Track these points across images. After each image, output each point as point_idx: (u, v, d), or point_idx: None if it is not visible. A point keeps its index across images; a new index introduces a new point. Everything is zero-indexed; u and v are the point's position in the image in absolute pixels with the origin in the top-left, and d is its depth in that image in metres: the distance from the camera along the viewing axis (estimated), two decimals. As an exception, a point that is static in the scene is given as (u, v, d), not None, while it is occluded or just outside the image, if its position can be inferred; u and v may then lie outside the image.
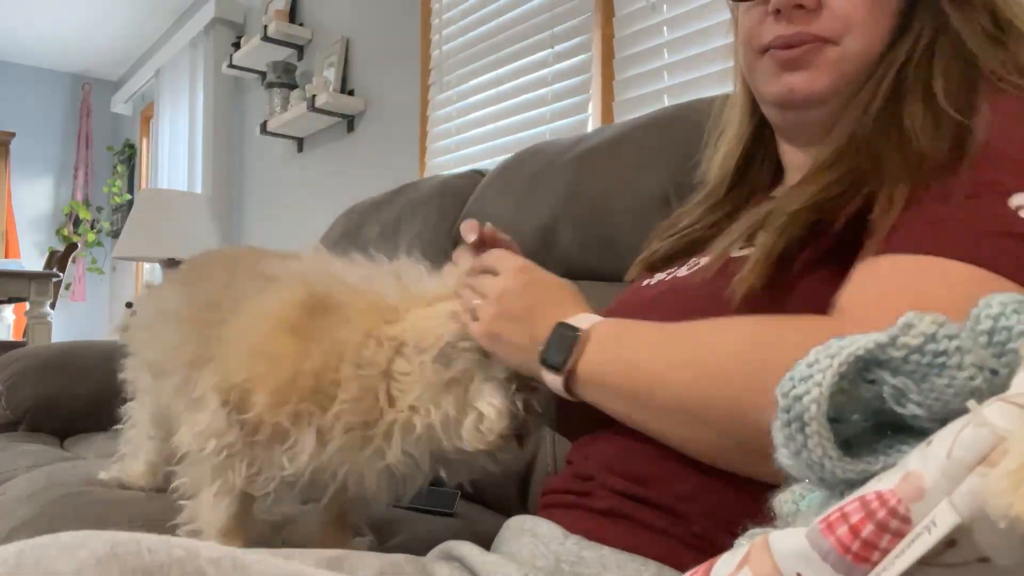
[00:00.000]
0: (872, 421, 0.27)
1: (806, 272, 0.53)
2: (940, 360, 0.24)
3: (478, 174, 1.56)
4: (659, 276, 0.68)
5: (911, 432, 0.25)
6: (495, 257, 0.65)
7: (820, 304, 0.50)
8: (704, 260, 0.63)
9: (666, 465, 0.54)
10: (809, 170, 0.58)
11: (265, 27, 3.06)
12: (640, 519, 0.54)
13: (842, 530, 0.22)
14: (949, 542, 0.20)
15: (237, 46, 3.36)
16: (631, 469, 0.56)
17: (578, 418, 0.70)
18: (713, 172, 0.75)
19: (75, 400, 1.65)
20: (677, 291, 0.62)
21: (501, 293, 0.61)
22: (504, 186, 1.37)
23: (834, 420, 0.26)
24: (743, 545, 0.27)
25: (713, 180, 0.74)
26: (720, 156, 0.74)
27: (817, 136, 0.64)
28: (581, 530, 0.56)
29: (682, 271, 0.65)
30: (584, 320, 0.58)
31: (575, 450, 0.65)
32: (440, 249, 1.48)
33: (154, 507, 0.80)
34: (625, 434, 0.59)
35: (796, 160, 0.68)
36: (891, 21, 0.59)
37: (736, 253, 0.58)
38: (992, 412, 0.21)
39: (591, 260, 1.18)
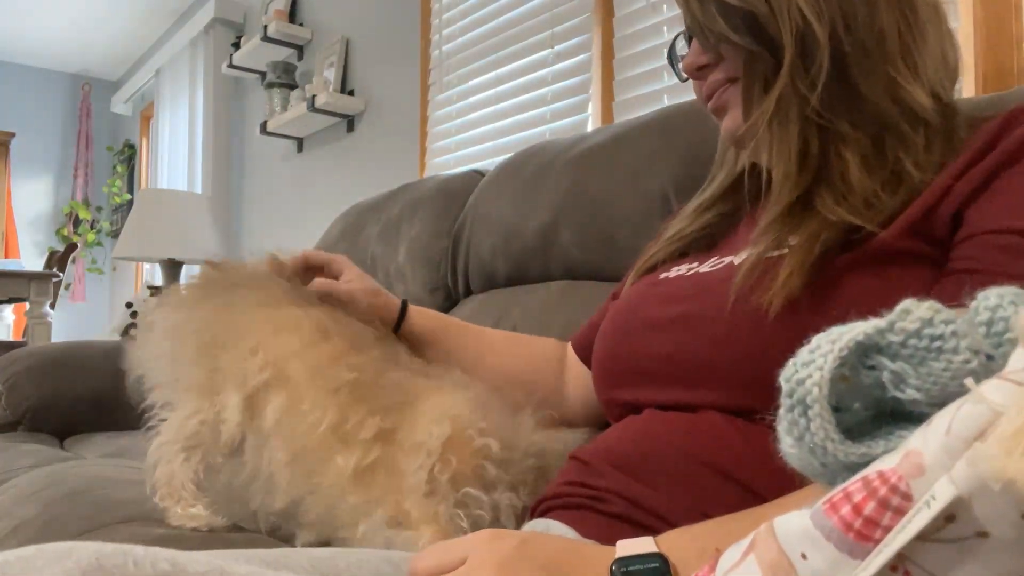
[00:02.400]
0: (873, 410, 0.27)
1: (848, 272, 0.55)
2: (937, 344, 0.25)
3: (478, 174, 1.56)
4: (676, 271, 0.69)
5: (911, 419, 0.26)
6: (440, 548, 0.50)
7: (864, 304, 0.50)
8: (729, 259, 0.64)
9: (680, 475, 0.55)
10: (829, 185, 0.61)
11: (265, 27, 3.06)
12: (653, 527, 0.54)
13: (845, 509, 0.23)
14: (948, 517, 0.20)
15: (237, 46, 3.36)
16: (644, 475, 0.57)
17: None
18: (714, 185, 0.77)
19: (75, 400, 1.65)
20: (712, 283, 0.62)
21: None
22: (504, 186, 1.37)
23: (836, 409, 0.26)
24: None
25: (711, 188, 0.77)
26: (724, 171, 0.77)
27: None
28: (593, 535, 0.56)
29: (704, 268, 0.66)
30: (633, 546, 0.47)
31: (573, 459, 0.65)
32: (440, 249, 1.49)
33: (152, 507, 0.80)
34: (638, 437, 0.60)
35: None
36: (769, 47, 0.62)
37: (772, 253, 0.59)
38: (989, 389, 0.21)
39: (591, 260, 1.18)
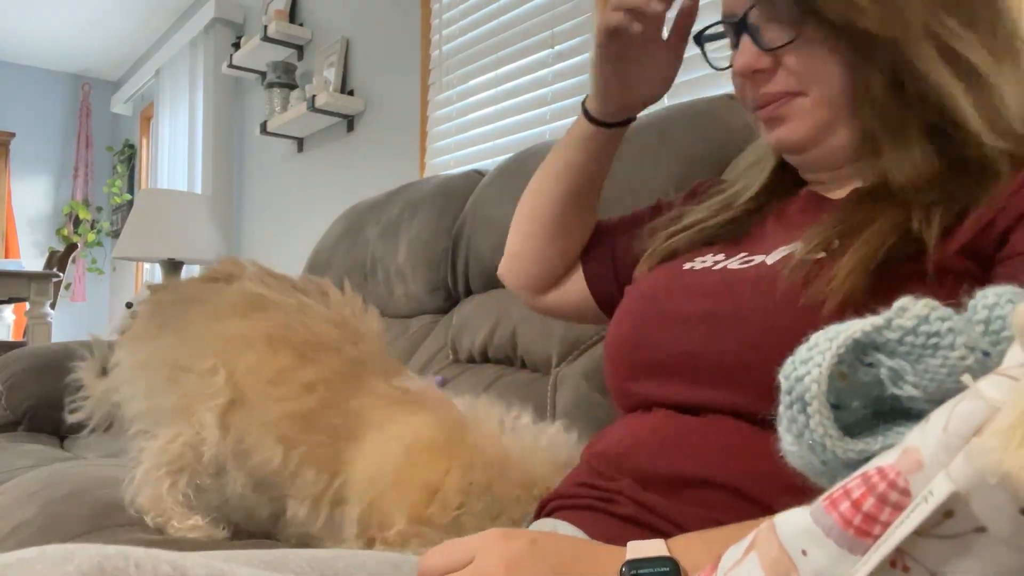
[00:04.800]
0: (872, 408, 0.27)
1: (902, 286, 0.54)
2: (934, 341, 0.25)
3: (478, 174, 1.56)
4: (701, 262, 0.67)
5: (910, 417, 0.26)
6: (449, 546, 0.49)
7: None
8: (760, 257, 0.62)
9: (695, 497, 0.55)
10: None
11: (265, 27, 3.06)
12: (663, 531, 0.53)
13: (844, 505, 0.23)
14: (946, 513, 0.21)
15: (237, 46, 3.36)
16: (658, 489, 0.56)
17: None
18: (739, 172, 0.76)
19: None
20: (742, 281, 0.61)
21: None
22: (504, 186, 1.37)
23: (836, 407, 0.26)
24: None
25: (736, 181, 0.75)
26: (750, 159, 0.76)
27: (831, 165, 0.65)
28: (601, 536, 0.55)
29: (733, 263, 0.64)
30: (644, 548, 0.46)
31: (586, 461, 0.65)
32: (440, 249, 1.49)
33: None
34: (653, 451, 0.59)
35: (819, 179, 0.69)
36: (845, 65, 0.60)
37: (809, 256, 0.58)
38: (987, 385, 0.21)
39: (591, 259, 1.18)
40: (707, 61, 0.71)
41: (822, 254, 0.57)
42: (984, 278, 0.54)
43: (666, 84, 0.79)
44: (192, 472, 0.77)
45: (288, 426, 0.72)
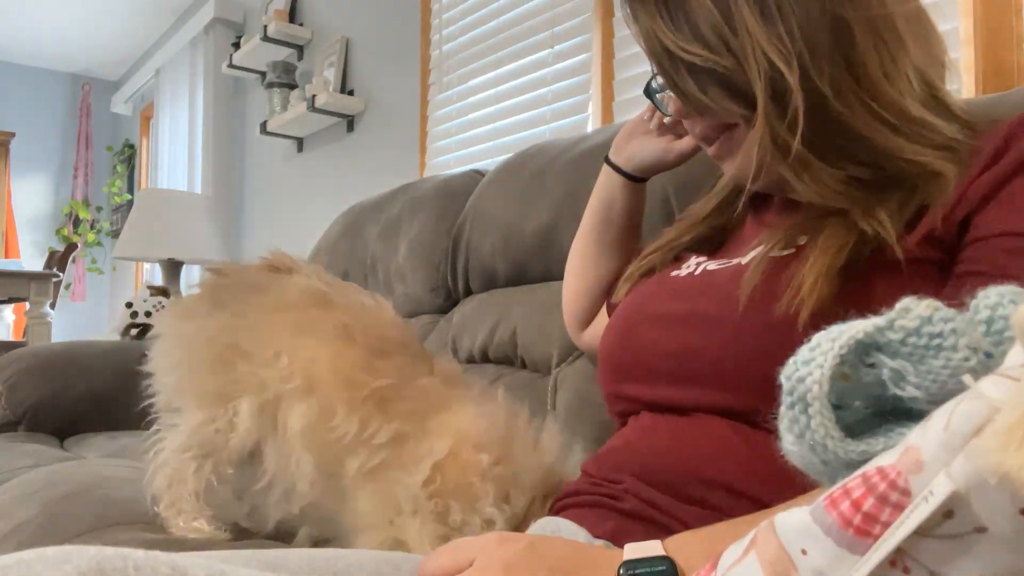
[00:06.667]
0: (873, 408, 0.27)
1: (871, 280, 0.55)
2: (936, 342, 0.25)
3: (478, 174, 1.56)
4: (686, 268, 0.69)
5: (911, 417, 0.26)
6: (450, 549, 0.50)
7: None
8: (737, 259, 0.64)
9: (697, 498, 0.56)
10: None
11: (265, 27, 3.06)
12: (665, 525, 0.55)
13: (844, 505, 0.23)
14: (947, 513, 0.20)
15: (237, 46, 3.36)
16: (660, 481, 0.58)
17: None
18: (705, 200, 0.78)
19: (75, 400, 1.65)
20: (719, 282, 0.62)
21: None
22: (504, 186, 1.37)
23: (837, 407, 0.26)
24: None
25: (704, 202, 0.77)
26: (718, 188, 0.77)
27: (788, 189, 0.65)
28: (607, 531, 0.57)
29: (712, 265, 0.66)
30: (640, 549, 0.46)
31: (594, 461, 0.66)
32: (440, 249, 1.49)
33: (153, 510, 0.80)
34: (645, 443, 0.61)
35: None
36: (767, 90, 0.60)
37: (781, 252, 0.59)
38: (987, 385, 0.21)
39: (591, 259, 1.18)
40: (659, 109, 0.74)
41: (790, 251, 0.58)
42: (950, 263, 0.55)
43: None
44: (217, 460, 0.76)
45: (371, 404, 0.71)
